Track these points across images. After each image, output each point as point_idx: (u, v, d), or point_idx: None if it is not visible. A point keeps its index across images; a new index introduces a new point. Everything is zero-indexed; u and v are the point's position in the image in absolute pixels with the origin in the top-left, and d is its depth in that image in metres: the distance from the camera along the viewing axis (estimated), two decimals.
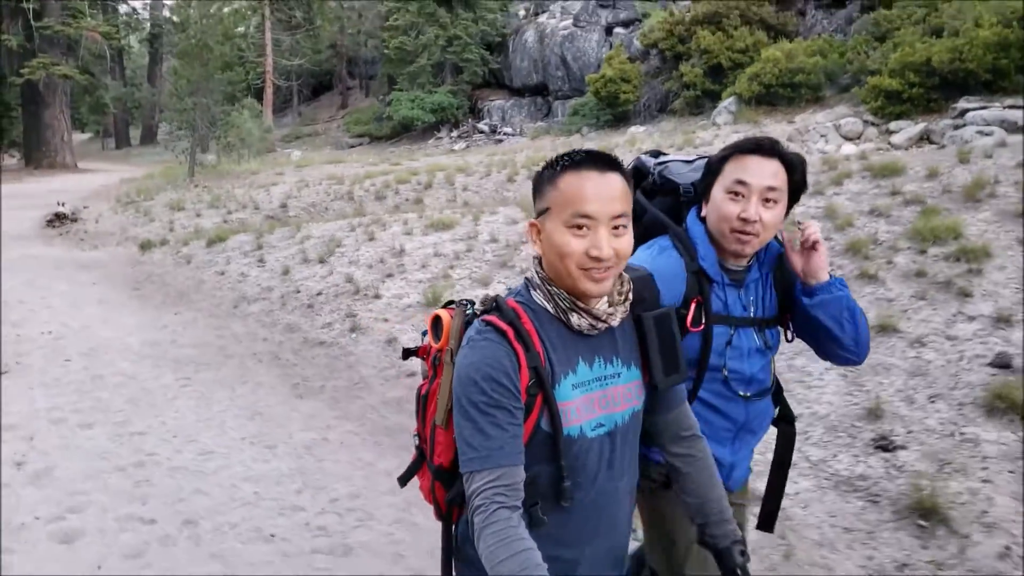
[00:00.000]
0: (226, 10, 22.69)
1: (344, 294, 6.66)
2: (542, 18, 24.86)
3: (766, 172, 1.56)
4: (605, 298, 1.27)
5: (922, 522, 2.71)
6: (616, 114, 19.48)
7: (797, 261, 1.62)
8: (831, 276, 1.61)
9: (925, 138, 11.71)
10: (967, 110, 11.36)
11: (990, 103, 11.37)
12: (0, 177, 20.63)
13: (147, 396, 4.82)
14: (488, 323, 1.23)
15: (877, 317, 4.39)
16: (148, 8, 39.53)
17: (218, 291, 7.72)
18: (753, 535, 1.99)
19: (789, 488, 2.44)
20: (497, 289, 6.15)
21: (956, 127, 11.26)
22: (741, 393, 1.64)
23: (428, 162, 15.93)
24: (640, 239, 1.68)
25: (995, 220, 5.74)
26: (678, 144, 13.44)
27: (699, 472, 1.42)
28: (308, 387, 4.95)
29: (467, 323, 1.28)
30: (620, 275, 1.29)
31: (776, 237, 1.68)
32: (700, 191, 1.67)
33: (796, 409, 2.27)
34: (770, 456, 1.81)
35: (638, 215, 1.68)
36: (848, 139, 12.81)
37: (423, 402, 1.38)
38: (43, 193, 16.74)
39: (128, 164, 27.95)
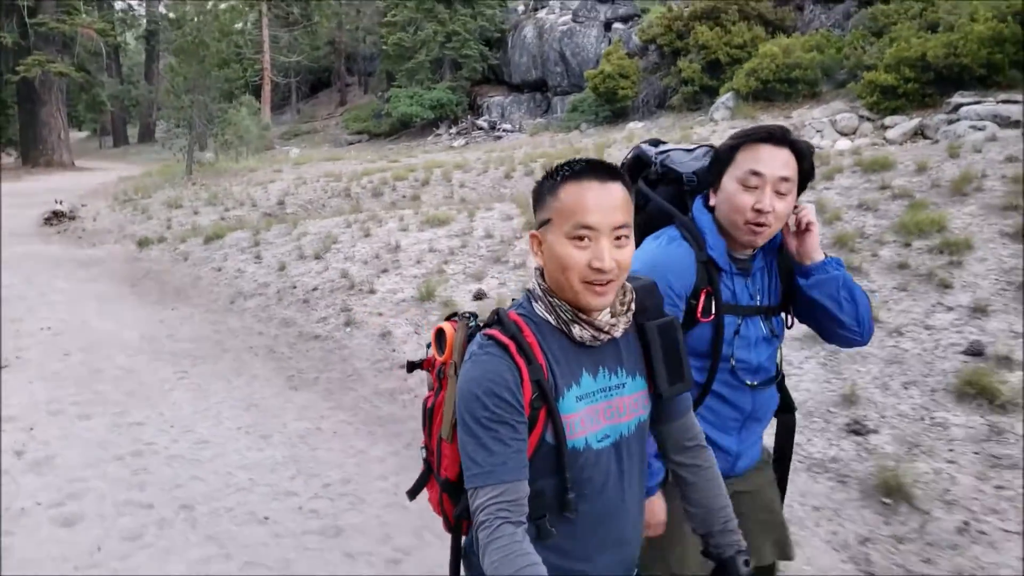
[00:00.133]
0: (223, 6, 22.68)
1: (339, 289, 6.76)
2: (541, 14, 24.89)
3: (779, 162, 1.54)
4: (607, 309, 1.26)
5: (886, 500, 2.82)
6: (615, 110, 19.54)
7: (792, 242, 1.63)
8: (827, 256, 1.62)
9: (920, 133, 11.79)
10: (961, 105, 11.43)
11: (984, 98, 11.43)
12: None
13: (145, 388, 4.91)
14: (490, 337, 1.23)
15: None
16: (144, 5, 39.52)
17: (215, 287, 7.82)
18: None
19: None
20: (489, 284, 6.24)
21: (950, 122, 11.33)
22: (748, 382, 1.64)
23: (426, 159, 16.00)
24: (644, 229, 1.68)
25: (980, 214, 5.83)
26: (675, 140, 13.52)
27: (704, 482, 1.40)
28: (303, 379, 5.05)
29: (470, 336, 1.28)
30: (622, 285, 1.28)
31: None
32: (707, 180, 1.65)
33: None
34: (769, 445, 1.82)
35: (641, 205, 1.70)
36: (844, 134, 12.88)
37: (429, 415, 1.38)
38: (41, 191, 16.83)
39: (126, 162, 28.03)
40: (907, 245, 5.41)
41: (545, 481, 1.23)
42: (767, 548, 1.73)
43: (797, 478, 2.98)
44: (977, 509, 2.75)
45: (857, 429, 3.34)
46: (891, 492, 2.85)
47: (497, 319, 1.26)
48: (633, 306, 1.29)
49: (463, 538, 1.38)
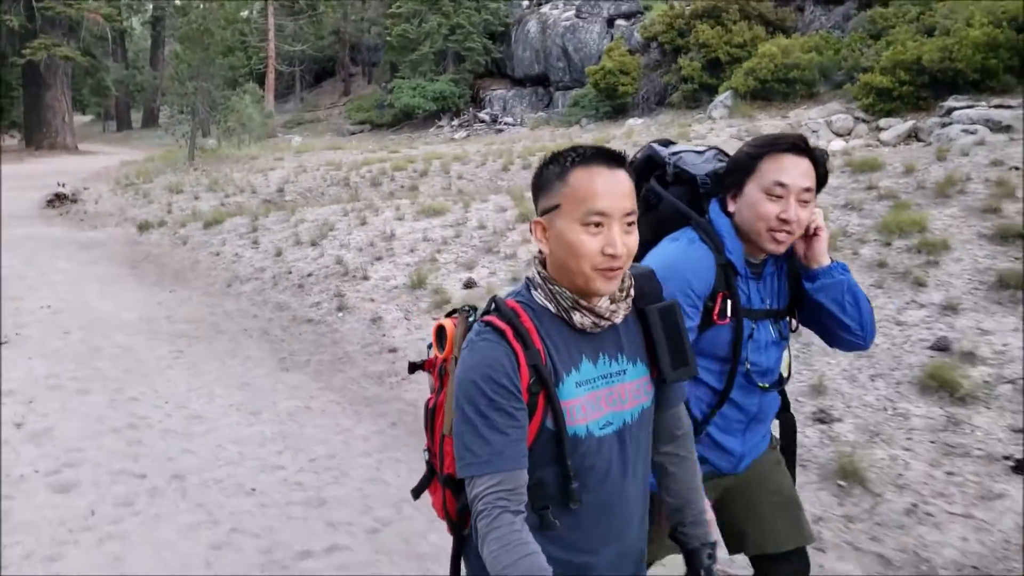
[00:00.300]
0: None
1: (334, 275, 6.91)
2: (545, 8, 24.94)
3: (801, 172, 1.57)
4: (606, 296, 1.25)
5: (841, 483, 2.96)
6: (615, 106, 19.64)
7: (799, 246, 1.65)
8: (832, 261, 1.65)
9: (913, 135, 11.90)
10: (954, 109, 11.54)
11: (977, 102, 11.55)
12: (0, 157, 20.82)
13: (141, 366, 5.06)
14: (486, 323, 1.22)
15: None
16: None
17: (213, 271, 7.97)
18: None
19: None
20: (480, 273, 6.38)
21: (943, 125, 11.44)
22: (760, 385, 1.67)
23: (426, 150, 16.11)
24: (656, 229, 1.70)
25: (960, 215, 5.96)
26: (673, 137, 13.63)
27: (684, 471, 1.41)
28: (294, 361, 5.20)
29: (470, 329, 1.27)
30: None
31: None
32: (725, 185, 1.66)
33: None
34: None
35: (653, 204, 1.73)
36: (839, 135, 12.99)
37: (431, 416, 1.37)
38: (43, 174, 16.96)
39: (129, 147, 28.15)
40: (887, 244, 5.54)
41: (546, 470, 1.22)
42: (784, 531, 1.75)
43: None
44: (926, 493, 2.89)
45: (822, 418, 3.48)
46: (847, 476, 3.00)
47: (494, 306, 1.25)
48: (632, 292, 1.29)
49: (466, 540, 1.35)
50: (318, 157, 16.25)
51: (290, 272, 7.31)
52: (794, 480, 1.85)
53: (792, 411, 1.90)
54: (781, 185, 1.56)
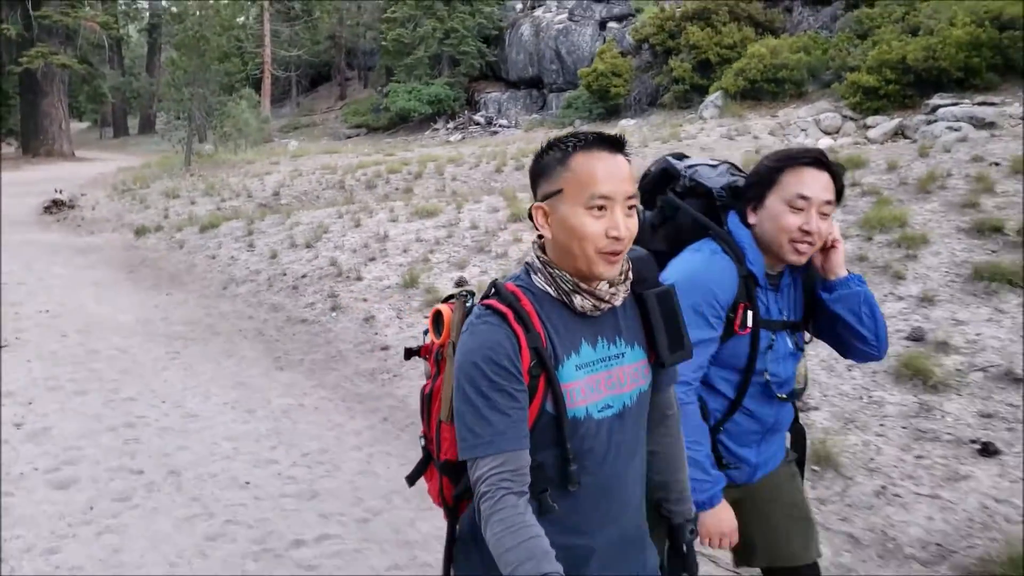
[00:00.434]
0: (224, 1, 22.89)
1: (327, 276, 7.01)
2: (538, 12, 25.10)
3: (823, 185, 1.61)
4: (605, 280, 1.26)
5: (815, 467, 3.07)
6: (607, 107, 19.80)
7: (817, 258, 1.67)
8: (849, 272, 1.68)
9: (900, 133, 12.05)
10: (939, 106, 11.70)
11: (961, 100, 11.70)
12: None
13: (138, 367, 5.16)
14: (487, 307, 1.23)
15: None
16: None
17: (209, 274, 8.07)
18: None
19: None
20: (471, 272, 6.49)
21: (929, 122, 11.59)
22: (779, 396, 1.69)
23: (421, 153, 16.23)
24: (673, 240, 1.73)
25: (940, 210, 6.08)
26: (664, 137, 13.76)
27: (671, 450, 1.44)
28: (288, 360, 5.30)
29: (468, 314, 1.27)
30: None
31: None
32: (746, 197, 1.69)
33: None
34: None
35: (668, 216, 1.75)
36: (827, 133, 13.14)
37: (427, 401, 1.37)
38: (40, 181, 17.06)
39: (125, 153, 28.24)
40: (869, 239, 5.66)
41: (546, 453, 1.22)
42: (797, 547, 1.76)
43: None
44: (896, 475, 3.00)
45: (799, 407, 3.58)
46: (820, 461, 3.11)
47: (494, 290, 1.26)
48: (631, 275, 1.30)
49: (458, 528, 1.36)
50: (314, 161, 16.37)
51: (285, 274, 7.41)
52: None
53: (801, 422, 1.92)
54: (803, 197, 1.60)
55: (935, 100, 11.84)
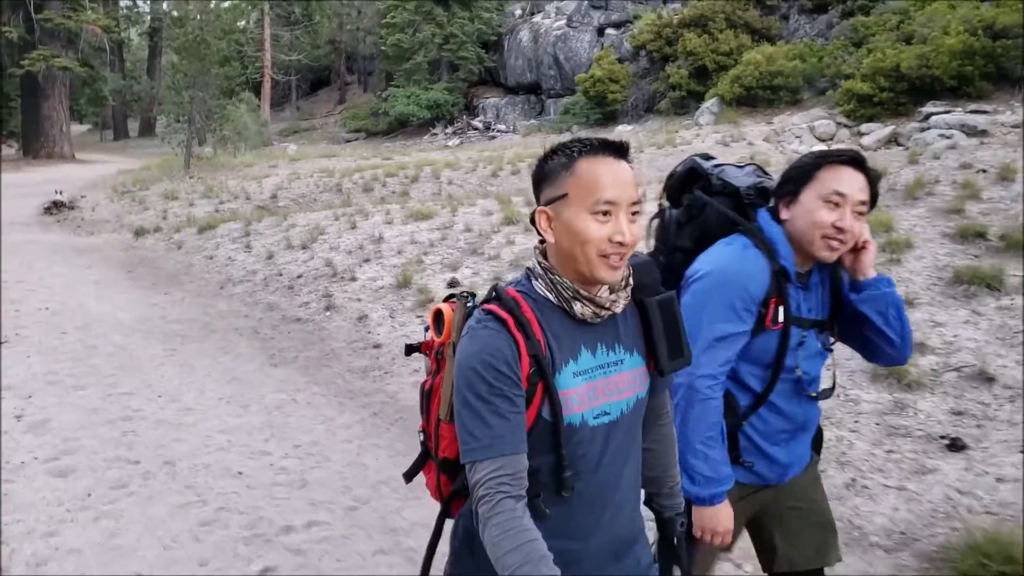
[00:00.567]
0: (225, 5, 23.12)
1: (322, 277, 7.13)
2: (537, 18, 25.29)
3: (859, 185, 1.61)
4: (606, 286, 1.27)
5: None
6: (605, 113, 19.96)
7: (847, 259, 1.67)
8: (878, 274, 1.68)
9: (894, 140, 12.19)
10: (932, 114, 11.85)
11: (954, 107, 11.86)
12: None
13: (136, 363, 5.26)
14: (488, 312, 1.23)
15: None
16: (148, 2, 39.90)
17: (206, 274, 8.18)
18: None
19: None
20: (464, 273, 6.60)
21: (921, 130, 11.74)
22: (811, 393, 1.70)
23: (419, 157, 16.37)
24: (698, 238, 1.74)
25: (926, 216, 6.20)
26: (659, 143, 13.91)
27: (664, 448, 1.46)
28: (283, 357, 5.40)
29: (468, 315, 1.28)
30: None
31: None
32: (779, 193, 1.69)
33: None
34: None
35: (694, 214, 1.76)
36: (822, 140, 13.28)
37: (427, 397, 1.38)
38: (41, 182, 17.17)
39: (126, 156, 28.38)
40: None
41: (540, 459, 1.23)
42: (813, 552, 1.78)
43: None
44: (866, 468, 3.11)
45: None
46: None
47: (495, 295, 1.26)
48: (631, 282, 1.30)
49: (455, 530, 1.38)
50: (312, 164, 16.50)
51: (281, 274, 7.53)
52: None
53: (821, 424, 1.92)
54: (839, 194, 1.60)
55: (928, 108, 11.99)
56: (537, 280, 1.27)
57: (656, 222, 1.89)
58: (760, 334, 1.62)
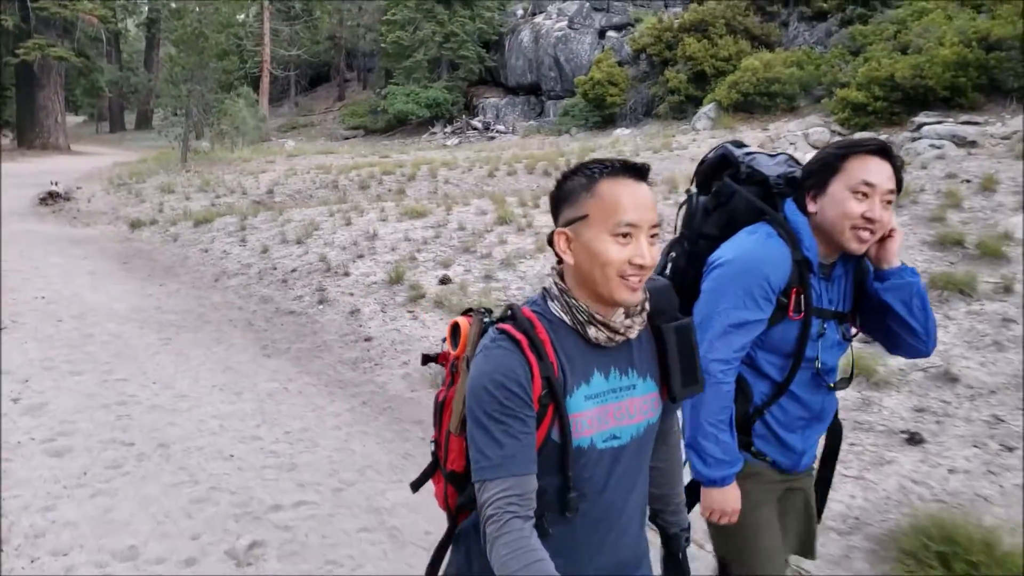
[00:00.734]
0: None
1: (316, 271, 7.25)
2: (538, 18, 25.37)
3: (887, 175, 1.60)
4: (622, 310, 1.26)
5: None
6: (603, 116, 20.05)
7: (873, 247, 1.66)
8: (902, 264, 1.67)
9: None
10: (924, 124, 12.01)
11: (946, 118, 12.02)
12: None
13: (131, 351, 5.37)
14: (502, 331, 1.23)
15: None
16: None
17: (201, 266, 8.29)
18: None
19: None
20: (455, 271, 6.73)
21: (913, 140, 11.90)
22: (830, 384, 1.72)
23: (416, 156, 16.48)
24: (724, 226, 1.74)
25: (909, 224, 6.35)
26: (656, 147, 14.05)
27: (670, 466, 1.47)
28: (276, 348, 5.52)
29: (483, 331, 1.28)
30: None
31: None
32: (806, 184, 1.68)
33: None
34: None
35: (722, 201, 1.77)
36: (815, 148, 13.45)
37: (440, 409, 1.38)
38: (36, 173, 17.21)
39: (122, 148, 28.41)
40: None
41: (548, 480, 1.23)
42: (795, 544, 1.84)
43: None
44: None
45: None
46: None
47: (511, 314, 1.26)
48: (647, 307, 1.30)
49: (458, 537, 1.39)
50: (309, 161, 16.60)
51: (275, 268, 7.64)
52: (830, 486, 1.90)
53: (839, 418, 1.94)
54: (868, 184, 1.59)
55: (920, 118, 12.15)
56: (553, 301, 1.28)
57: (683, 209, 1.91)
58: (781, 323, 1.64)
